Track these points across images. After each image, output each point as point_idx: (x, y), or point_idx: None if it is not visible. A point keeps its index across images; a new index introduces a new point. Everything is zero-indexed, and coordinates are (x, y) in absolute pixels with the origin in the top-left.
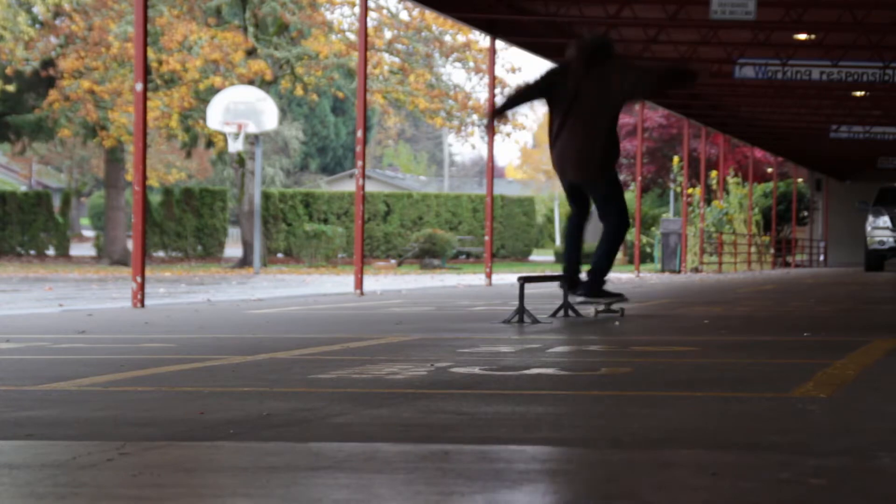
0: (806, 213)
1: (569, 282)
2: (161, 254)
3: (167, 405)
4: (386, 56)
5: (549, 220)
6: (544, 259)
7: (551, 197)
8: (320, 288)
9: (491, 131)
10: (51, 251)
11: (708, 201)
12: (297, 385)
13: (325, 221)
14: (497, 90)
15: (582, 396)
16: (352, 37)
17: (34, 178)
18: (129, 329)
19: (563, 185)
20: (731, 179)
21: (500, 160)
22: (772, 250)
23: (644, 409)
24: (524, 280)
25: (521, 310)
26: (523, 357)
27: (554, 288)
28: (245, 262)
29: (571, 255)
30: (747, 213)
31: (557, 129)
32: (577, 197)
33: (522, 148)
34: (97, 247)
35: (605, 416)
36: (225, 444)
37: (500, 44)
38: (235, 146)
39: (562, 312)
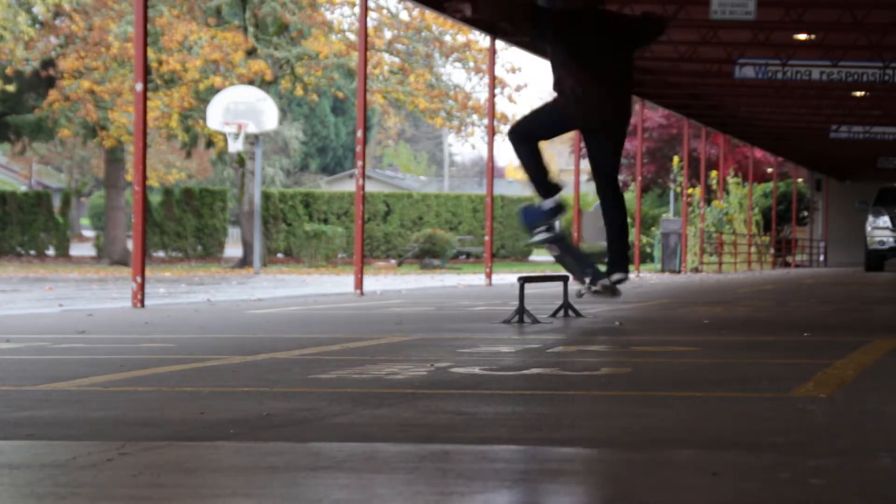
0: (806, 213)
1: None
2: (161, 254)
3: (167, 405)
4: (386, 56)
5: None
6: (544, 259)
7: None
8: (320, 288)
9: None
10: (51, 251)
11: (708, 201)
12: (297, 385)
13: (325, 221)
14: (497, 90)
15: (582, 396)
16: (352, 37)
17: (34, 178)
18: (129, 329)
19: (589, 124)
20: (731, 179)
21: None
22: (772, 250)
23: (644, 409)
24: (524, 280)
25: (521, 310)
26: (523, 357)
27: (554, 288)
28: (245, 262)
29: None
30: (747, 213)
31: (595, 67)
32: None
33: None
34: (97, 247)
35: (605, 416)
36: (225, 444)
37: (500, 44)
38: (235, 146)
39: (562, 312)
